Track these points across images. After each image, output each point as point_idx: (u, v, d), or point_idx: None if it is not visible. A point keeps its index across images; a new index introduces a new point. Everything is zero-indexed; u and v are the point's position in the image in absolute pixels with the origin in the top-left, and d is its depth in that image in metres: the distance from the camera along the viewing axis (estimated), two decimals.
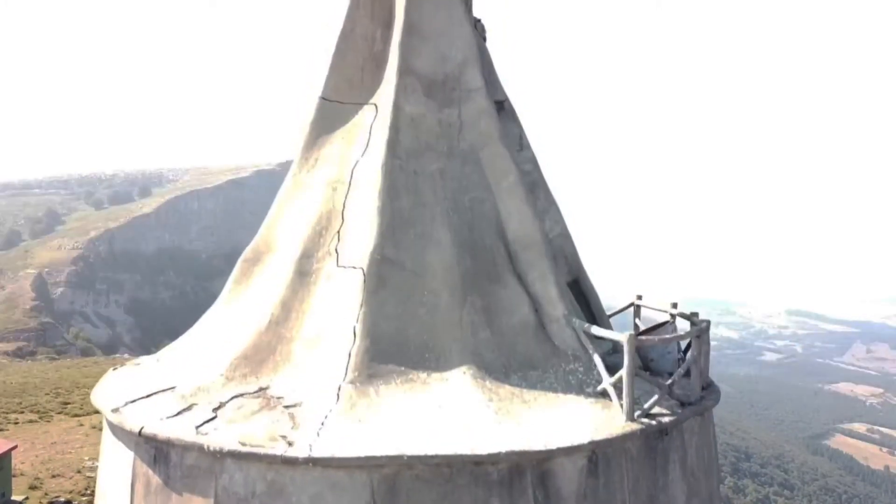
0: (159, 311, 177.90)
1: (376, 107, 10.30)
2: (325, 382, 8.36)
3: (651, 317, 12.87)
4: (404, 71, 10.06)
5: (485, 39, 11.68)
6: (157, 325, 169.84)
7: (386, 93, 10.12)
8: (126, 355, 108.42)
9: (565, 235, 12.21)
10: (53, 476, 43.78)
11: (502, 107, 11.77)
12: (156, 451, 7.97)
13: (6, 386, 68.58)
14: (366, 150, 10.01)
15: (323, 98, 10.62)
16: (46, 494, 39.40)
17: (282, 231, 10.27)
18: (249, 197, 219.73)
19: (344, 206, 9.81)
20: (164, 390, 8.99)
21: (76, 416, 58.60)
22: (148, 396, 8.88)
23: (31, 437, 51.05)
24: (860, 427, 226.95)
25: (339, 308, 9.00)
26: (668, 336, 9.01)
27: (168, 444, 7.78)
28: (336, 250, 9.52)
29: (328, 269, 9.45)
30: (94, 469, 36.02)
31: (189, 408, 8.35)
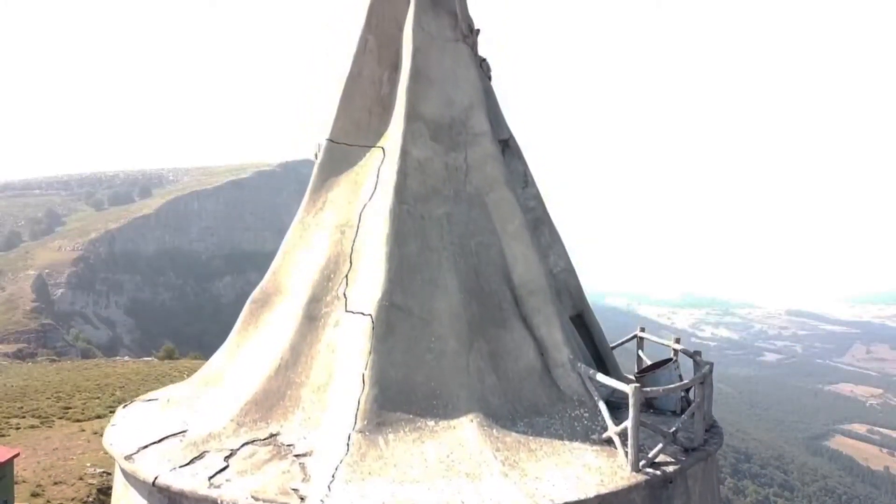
0: (159, 312, 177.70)
1: (384, 150, 10.42)
2: (334, 430, 8.49)
3: (654, 353, 13.03)
4: (412, 116, 10.18)
5: (490, 79, 11.82)
6: (157, 327, 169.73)
7: (393, 137, 10.25)
8: (126, 358, 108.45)
9: (569, 270, 12.35)
10: (55, 483, 43.79)
11: (507, 144, 11.91)
12: (169, 502, 8.09)
13: (7, 389, 68.54)
14: (373, 193, 10.13)
15: (331, 140, 10.75)
16: (48, 502, 39.45)
17: (291, 273, 10.39)
18: (250, 197, 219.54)
19: (352, 250, 9.93)
20: (175, 434, 9.12)
21: (77, 420, 58.70)
22: (160, 441, 9.00)
23: (32, 443, 51.17)
24: (860, 428, 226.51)
25: (347, 354, 9.13)
26: (672, 386, 9.12)
27: (181, 495, 7.90)
28: (344, 295, 9.65)
29: (337, 313, 9.57)
30: (95, 476, 36.28)
31: (201, 456, 8.48)
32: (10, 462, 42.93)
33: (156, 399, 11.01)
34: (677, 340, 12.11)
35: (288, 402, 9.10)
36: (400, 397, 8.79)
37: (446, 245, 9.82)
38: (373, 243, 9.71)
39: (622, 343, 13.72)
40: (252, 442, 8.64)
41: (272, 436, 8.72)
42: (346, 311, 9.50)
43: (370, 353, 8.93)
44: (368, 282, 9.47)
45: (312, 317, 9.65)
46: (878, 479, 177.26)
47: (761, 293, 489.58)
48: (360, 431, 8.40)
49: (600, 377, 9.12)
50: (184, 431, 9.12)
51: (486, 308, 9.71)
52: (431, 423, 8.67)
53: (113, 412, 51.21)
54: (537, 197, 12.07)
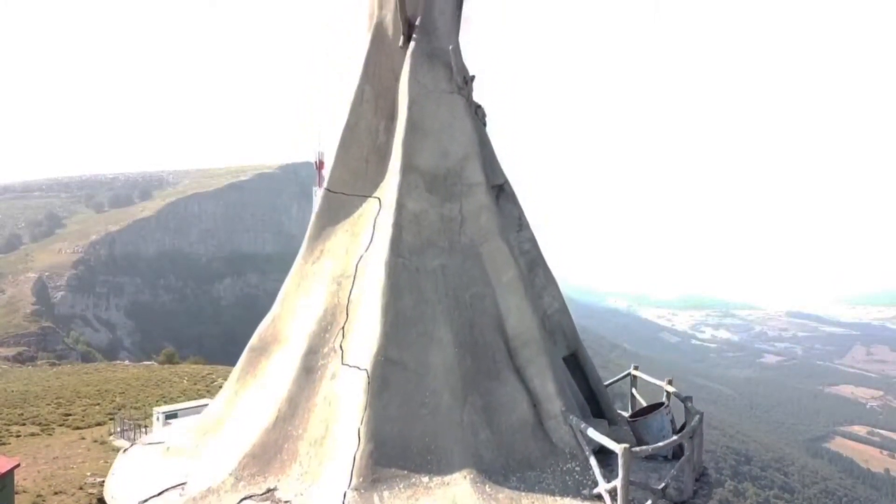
0: (159, 314, 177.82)
1: (380, 201, 10.57)
2: (331, 487, 8.64)
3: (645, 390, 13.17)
4: (407, 169, 10.34)
5: (485, 125, 11.96)
6: (157, 329, 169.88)
7: (389, 189, 10.40)
8: (127, 361, 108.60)
9: (563, 311, 12.52)
10: (56, 493, 43.89)
11: (502, 189, 12.07)
12: None
13: (7, 395, 68.58)
14: (370, 245, 10.28)
15: (328, 190, 10.90)
16: None
17: (289, 322, 10.54)
18: (250, 200, 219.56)
19: (349, 302, 10.09)
20: (174, 487, 9.27)
21: (77, 428, 58.77)
22: (160, 494, 9.16)
23: (32, 452, 51.26)
24: (860, 430, 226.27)
25: (344, 408, 9.28)
26: (661, 444, 9.24)
27: None
28: (341, 347, 9.81)
29: (333, 366, 9.73)
30: (96, 485, 36.40)
31: None
32: (10, 473, 43.04)
33: (156, 444, 11.16)
34: (669, 382, 12.26)
35: (285, 456, 9.25)
36: (395, 453, 8.93)
37: (441, 297, 9.97)
38: (369, 296, 9.86)
39: (616, 381, 13.87)
40: (250, 497, 8.79)
41: (269, 491, 8.87)
42: (343, 363, 9.66)
43: (366, 408, 9.08)
44: (364, 335, 9.62)
45: (310, 369, 9.80)
46: (879, 481, 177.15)
47: (762, 294, 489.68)
48: (356, 489, 8.55)
49: (591, 432, 9.26)
50: (183, 484, 9.27)
51: (480, 361, 9.86)
52: (426, 479, 8.82)
53: (112, 419, 50.97)
54: (532, 240, 12.23)
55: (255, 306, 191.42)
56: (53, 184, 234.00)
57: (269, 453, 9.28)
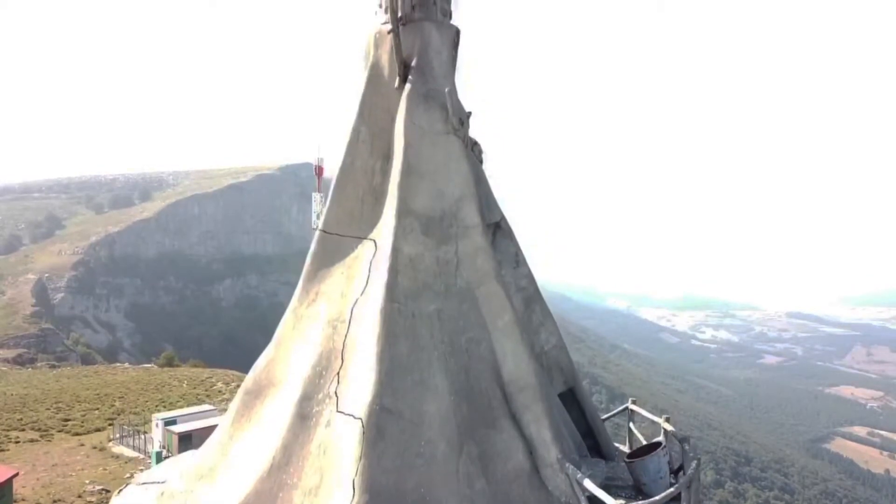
0: (159, 315, 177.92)
1: (375, 244, 10.51)
2: None
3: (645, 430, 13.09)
4: (403, 212, 10.27)
5: (481, 162, 11.91)
6: (157, 330, 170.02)
7: (385, 232, 10.33)
8: (126, 364, 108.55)
9: (560, 347, 12.47)
10: (55, 501, 43.90)
11: (499, 226, 12.03)
12: None
13: (7, 398, 68.61)
14: (365, 288, 10.22)
15: (324, 231, 10.84)
16: None
17: (283, 366, 10.49)
18: (250, 201, 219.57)
19: (344, 346, 10.02)
20: None
21: (77, 434, 58.71)
22: None
23: (32, 459, 51.27)
24: (860, 430, 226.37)
25: (338, 457, 9.21)
26: (657, 498, 9.13)
27: None
28: (336, 393, 9.74)
29: (328, 412, 9.66)
30: (94, 493, 36.34)
31: None
32: (9, 482, 43.06)
33: (151, 483, 11.10)
34: (667, 419, 12.18)
35: None
36: None
37: (437, 343, 9.91)
38: (364, 342, 9.80)
39: (613, 415, 13.79)
40: None
41: None
42: (338, 410, 9.60)
43: (361, 458, 9.01)
44: (359, 382, 9.56)
45: (304, 415, 9.74)
46: (879, 482, 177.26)
47: (762, 295, 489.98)
48: None
49: (587, 483, 9.20)
50: None
51: (476, 408, 9.79)
52: None
53: (112, 424, 50.85)
54: (529, 276, 12.19)
55: (255, 307, 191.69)
56: (53, 185, 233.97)
57: (264, 503, 9.22)
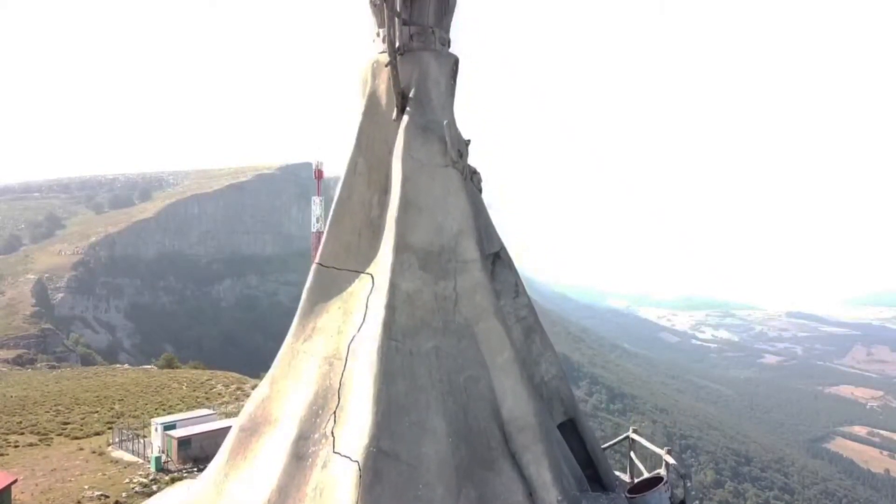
0: (159, 315, 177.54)
1: (372, 278, 10.33)
2: None
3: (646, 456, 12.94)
4: (401, 247, 10.10)
5: (480, 191, 11.73)
6: (157, 331, 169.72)
7: (383, 268, 10.16)
8: (126, 365, 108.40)
9: (560, 377, 12.31)
10: None
11: (498, 256, 11.86)
12: None
13: (6, 400, 68.46)
14: (362, 325, 10.04)
15: (320, 265, 10.65)
16: None
17: (279, 403, 10.31)
18: (250, 201, 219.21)
19: (340, 385, 9.85)
20: None
21: (76, 438, 58.64)
22: None
23: (31, 464, 51.15)
24: (860, 430, 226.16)
25: (335, 500, 9.03)
26: None
27: None
28: (332, 433, 9.57)
29: (325, 453, 9.49)
30: (94, 499, 36.21)
31: None
32: (7, 489, 42.95)
33: None
34: (669, 452, 12.02)
35: None
36: None
37: (435, 382, 9.74)
38: (361, 380, 9.62)
39: (613, 444, 13.62)
40: None
41: None
42: (334, 451, 9.42)
43: (357, 502, 8.85)
44: (356, 423, 9.38)
45: (300, 456, 9.57)
46: (879, 481, 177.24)
47: (762, 295, 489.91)
48: None
49: None
50: None
51: (475, 449, 9.62)
52: None
53: (111, 428, 50.49)
54: (528, 306, 12.03)
55: (255, 308, 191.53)
56: (53, 185, 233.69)
57: None
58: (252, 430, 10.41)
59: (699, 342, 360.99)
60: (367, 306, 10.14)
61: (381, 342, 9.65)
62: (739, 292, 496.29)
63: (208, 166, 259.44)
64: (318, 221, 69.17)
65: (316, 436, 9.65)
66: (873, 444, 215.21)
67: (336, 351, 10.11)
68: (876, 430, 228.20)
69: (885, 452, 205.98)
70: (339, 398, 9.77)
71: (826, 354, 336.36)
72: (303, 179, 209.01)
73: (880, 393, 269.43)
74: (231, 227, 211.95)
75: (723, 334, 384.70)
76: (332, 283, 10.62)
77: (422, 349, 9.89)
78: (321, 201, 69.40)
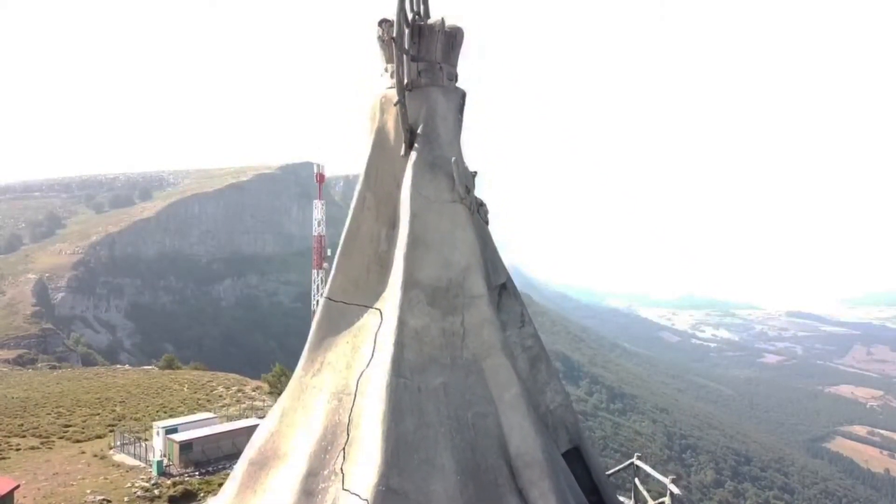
0: (160, 315, 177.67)
1: (381, 314, 10.41)
2: None
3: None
4: (409, 284, 10.17)
5: (487, 223, 11.80)
6: (157, 330, 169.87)
7: (391, 304, 10.23)
8: (127, 366, 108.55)
9: (566, 406, 12.41)
10: None
11: (504, 287, 11.93)
12: None
13: (7, 402, 68.54)
14: (370, 360, 10.13)
15: (329, 299, 10.73)
16: None
17: (288, 439, 10.39)
18: (250, 201, 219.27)
19: (349, 421, 9.93)
20: None
21: (77, 441, 58.60)
22: None
23: (33, 468, 51.15)
24: (860, 430, 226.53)
25: None
26: None
27: None
28: (342, 470, 9.65)
29: (334, 490, 9.57)
30: None
31: None
32: (10, 494, 42.98)
33: None
34: (674, 480, 12.11)
35: None
36: None
37: (443, 419, 9.82)
38: (370, 417, 9.70)
39: (618, 470, 13.71)
40: None
41: None
42: (344, 488, 9.50)
43: None
44: (365, 460, 9.46)
45: (310, 492, 9.65)
46: (879, 481, 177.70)
47: (762, 294, 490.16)
48: None
49: None
50: None
51: (483, 487, 9.70)
52: None
53: (112, 431, 50.42)
54: (534, 336, 12.11)
55: (255, 307, 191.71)
56: (54, 184, 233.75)
57: None
58: (262, 464, 10.49)
59: (699, 342, 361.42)
60: (375, 342, 10.22)
61: (390, 379, 9.73)
62: (739, 292, 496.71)
63: (209, 166, 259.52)
64: (319, 225, 69.22)
65: (325, 472, 9.73)
66: (873, 444, 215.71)
67: (345, 386, 10.20)
68: (876, 430, 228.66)
69: (885, 452, 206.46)
70: (348, 434, 9.85)
71: (826, 354, 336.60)
72: (303, 179, 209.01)
73: (880, 392, 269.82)
74: (231, 226, 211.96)
75: (723, 334, 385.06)
76: (340, 318, 10.70)
77: (430, 385, 9.98)
78: (323, 205, 69.38)
